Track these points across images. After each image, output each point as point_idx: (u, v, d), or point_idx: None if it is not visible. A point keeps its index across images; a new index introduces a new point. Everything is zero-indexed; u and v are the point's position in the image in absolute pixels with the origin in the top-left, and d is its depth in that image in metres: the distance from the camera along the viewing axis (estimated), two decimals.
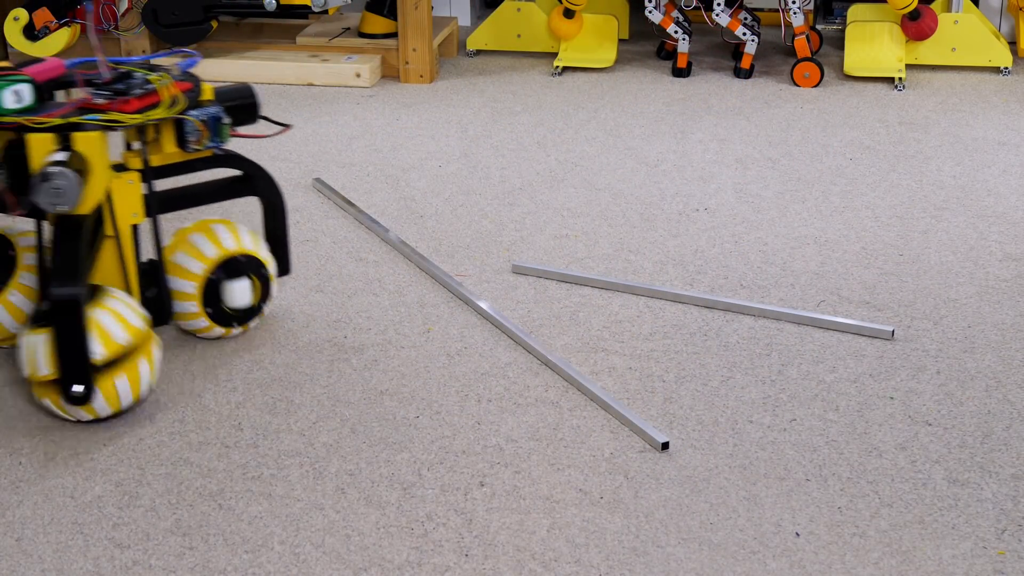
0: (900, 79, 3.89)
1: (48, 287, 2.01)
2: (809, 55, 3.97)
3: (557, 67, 4.11)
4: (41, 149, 2.05)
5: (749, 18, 4.13)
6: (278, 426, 2.11)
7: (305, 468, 2.00)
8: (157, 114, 2.12)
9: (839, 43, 4.33)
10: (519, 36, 4.29)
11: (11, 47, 4.14)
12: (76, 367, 2.02)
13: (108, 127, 2.08)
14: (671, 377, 2.25)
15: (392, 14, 4.11)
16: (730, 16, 4.01)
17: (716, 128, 3.57)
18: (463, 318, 2.47)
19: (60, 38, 3.98)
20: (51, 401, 2.08)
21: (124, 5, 4.14)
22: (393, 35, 4.12)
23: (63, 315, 1.99)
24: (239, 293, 2.33)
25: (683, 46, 4.06)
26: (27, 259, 2.29)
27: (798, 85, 3.96)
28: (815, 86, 3.94)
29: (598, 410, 2.14)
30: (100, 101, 2.10)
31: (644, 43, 4.46)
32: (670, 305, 2.51)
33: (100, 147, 2.08)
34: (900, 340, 2.36)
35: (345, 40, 4.18)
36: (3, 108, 2.05)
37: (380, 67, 4.08)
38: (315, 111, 3.76)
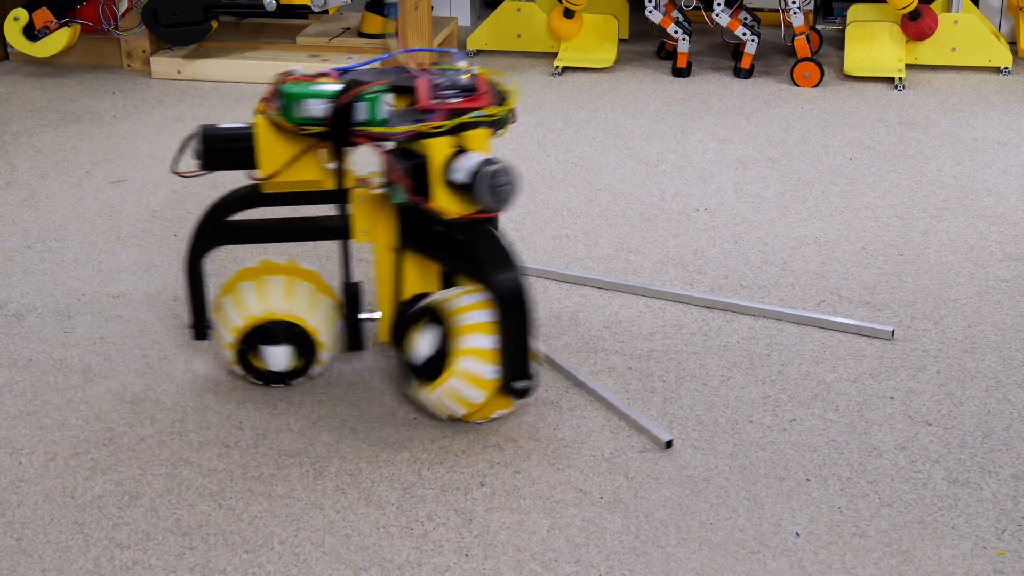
0: (900, 79, 3.89)
1: (491, 278, 1.98)
2: (809, 55, 3.97)
3: (557, 67, 4.11)
4: (441, 152, 2.01)
5: (749, 18, 4.13)
6: (278, 426, 2.11)
7: (305, 468, 2.00)
8: (503, 110, 2.06)
9: (839, 43, 4.33)
10: (519, 36, 4.29)
11: (11, 47, 4.14)
12: (522, 361, 2.00)
13: (490, 123, 2.04)
14: (671, 377, 2.25)
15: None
16: (730, 16, 4.01)
17: (716, 128, 3.57)
18: None
19: (60, 38, 3.98)
20: (453, 399, 2.03)
21: (124, 5, 4.14)
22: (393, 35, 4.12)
23: (511, 306, 1.98)
24: (276, 358, 2.18)
25: (683, 46, 4.06)
26: (323, 338, 2.19)
27: (798, 85, 3.96)
28: (815, 86, 3.94)
29: (598, 410, 2.14)
30: (454, 100, 2.05)
31: (644, 43, 4.46)
32: (670, 305, 2.51)
33: (486, 144, 2.04)
34: (900, 340, 2.36)
35: (345, 40, 4.18)
36: (377, 119, 2.02)
37: None
38: None
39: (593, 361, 2.29)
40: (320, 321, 2.18)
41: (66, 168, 3.31)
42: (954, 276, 2.62)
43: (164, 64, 4.07)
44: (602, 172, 3.24)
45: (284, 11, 3.99)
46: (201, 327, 2.22)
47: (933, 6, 4.06)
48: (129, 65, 4.18)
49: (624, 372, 2.26)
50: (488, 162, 1.96)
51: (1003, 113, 3.65)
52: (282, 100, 2.04)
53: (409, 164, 2.02)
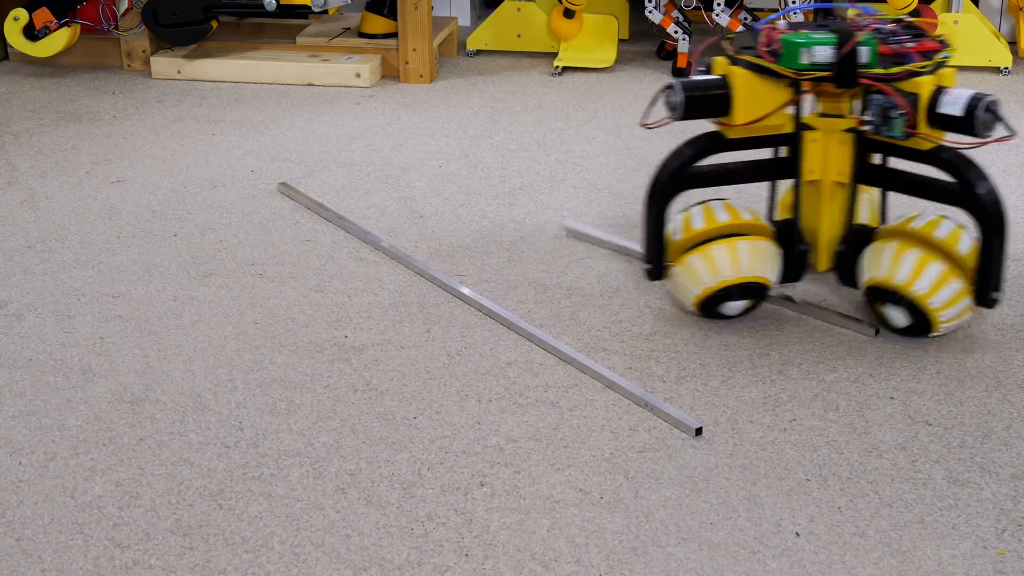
0: None
1: (979, 195, 2.22)
2: None
3: (557, 67, 4.11)
4: (928, 89, 2.22)
5: (749, 18, 4.13)
6: (278, 426, 2.11)
7: (305, 468, 2.00)
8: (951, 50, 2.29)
9: None
10: (519, 36, 4.29)
11: (11, 47, 4.15)
12: (999, 272, 2.25)
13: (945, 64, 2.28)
14: (671, 377, 2.25)
15: (392, 14, 4.11)
16: (730, 16, 4.00)
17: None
18: (463, 318, 2.47)
19: (60, 38, 3.98)
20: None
21: (124, 5, 4.14)
22: (393, 35, 4.12)
23: (997, 220, 2.22)
24: (734, 309, 2.42)
25: (683, 46, 4.06)
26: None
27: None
28: None
29: (598, 410, 2.14)
30: (911, 44, 2.28)
31: (644, 43, 4.47)
32: (670, 305, 2.51)
33: (954, 80, 2.28)
34: (900, 340, 2.36)
35: (345, 40, 4.18)
36: (873, 62, 2.25)
37: (380, 67, 4.08)
38: (315, 111, 3.76)
39: (593, 361, 2.29)
40: (774, 273, 2.41)
41: (66, 168, 3.31)
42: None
43: (164, 64, 4.07)
44: (602, 172, 3.24)
45: (284, 11, 3.99)
46: (658, 269, 2.43)
47: (933, 6, 4.06)
48: (129, 65, 4.18)
49: (624, 372, 2.26)
50: (979, 95, 2.19)
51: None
52: (782, 48, 2.24)
53: (911, 100, 2.23)
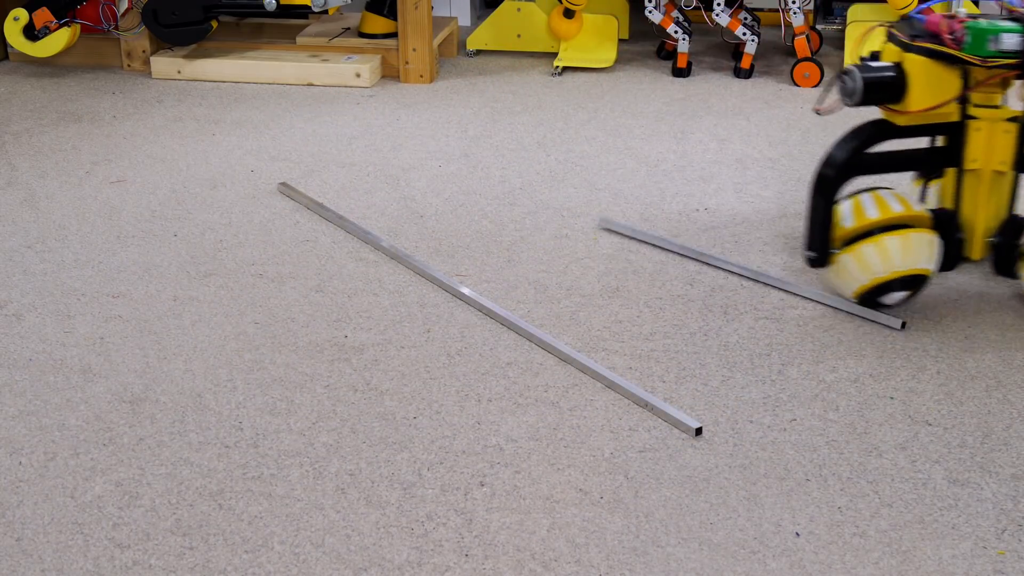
0: None
1: None
2: (809, 55, 3.97)
3: (557, 67, 4.11)
4: None
5: (749, 18, 4.13)
6: (278, 426, 2.11)
7: (305, 468, 2.00)
8: None
9: (839, 43, 4.33)
10: (519, 36, 4.29)
11: (11, 47, 4.14)
12: None
13: None
14: (671, 377, 2.25)
15: (392, 14, 4.11)
16: (730, 16, 4.01)
17: (716, 128, 3.57)
18: (463, 318, 2.47)
19: (60, 38, 3.98)
20: None
21: (124, 5, 4.14)
22: (393, 35, 4.12)
23: None
24: (895, 299, 2.46)
25: (683, 46, 4.06)
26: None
27: (798, 85, 3.96)
28: (815, 86, 3.94)
29: (598, 410, 2.14)
30: None
31: (644, 43, 4.46)
32: (670, 305, 2.51)
33: None
34: (900, 340, 2.36)
35: (345, 40, 4.18)
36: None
37: (380, 67, 4.08)
38: (315, 111, 3.76)
39: (593, 361, 2.29)
40: (934, 265, 2.46)
41: (66, 168, 3.31)
42: (954, 276, 2.62)
43: (164, 64, 4.08)
44: (602, 172, 3.24)
45: (284, 11, 3.99)
46: (823, 257, 2.47)
47: (933, 6, 4.05)
48: (129, 65, 4.18)
49: (624, 372, 2.26)
50: None
51: None
52: (968, 36, 2.31)
53: None
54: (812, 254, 2.47)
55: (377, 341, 2.38)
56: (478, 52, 4.37)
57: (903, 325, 2.39)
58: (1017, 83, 2.43)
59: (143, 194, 3.12)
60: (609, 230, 2.87)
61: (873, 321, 2.43)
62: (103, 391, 2.22)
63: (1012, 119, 2.40)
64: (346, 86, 4.00)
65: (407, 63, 4.04)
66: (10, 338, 2.41)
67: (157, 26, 4.00)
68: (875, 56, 2.44)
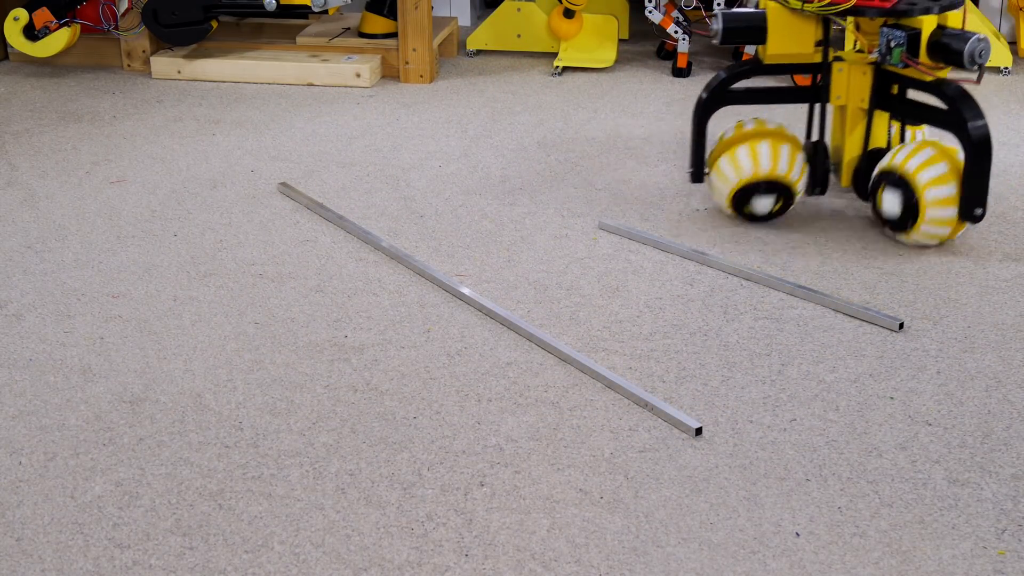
0: None
1: (968, 125, 2.58)
2: None
3: (557, 67, 4.11)
4: (930, 27, 2.64)
5: None
6: (278, 426, 2.11)
7: (305, 468, 2.00)
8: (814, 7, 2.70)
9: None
10: (519, 36, 4.29)
11: (11, 47, 4.15)
12: (983, 191, 2.60)
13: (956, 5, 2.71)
14: (671, 377, 2.25)
15: (392, 14, 4.11)
16: None
17: (716, 128, 3.57)
18: (463, 318, 2.47)
19: (60, 38, 3.98)
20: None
21: (124, 5, 4.14)
22: (393, 35, 4.12)
23: (983, 147, 2.57)
24: (763, 205, 2.82)
25: (683, 46, 4.06)
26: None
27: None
28: None
29: (598, 410, 2.14)
30: None
31: (644, 43, 4.46)
32: (670, 305, 2.51)
33: (960, 21, 2.70)
34: (900, 340, 2.36)
35: (345, 40, 4.18)
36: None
37: (380, 67, 4.08)
38: (315, 111, 3.76)
39: (593, 361, 2.29)
40: (796, 174, 2.80)
41: (66, 168, 3.31)
42: (954, 276, 2.62)
43: (164, 64, 4.08)
44: (602, 172, 3.24)
45: (284, 11, 3.99)
46: (699, 173, 2.88)
47: None
48: (129, 65, 4.18)
49: (624, 372, 2.26)
50: (969, 34, 2.56)
51: (1003, 113, 3.65)
52: None
53: (907, 34, 2.62)
54: (690, 169, 2.87)
55: (377, 341, 2.38)
56: (478, 52, 4.37)
57: (901, 326, 2.39)
58: (848, 26, 2.76)
59: (143, 194, 3.12)
60: (609, 230, 2.87)
61: (872, 323, 2.43)
62: (103, 391, 2.22)
63: (872, 63, 2.74)
64: (346, 86, 4.00)
65: (407, 63, 4.04)
66: (10, 338, 2.41)
67: (157, 26, 4.00)
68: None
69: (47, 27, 3.95)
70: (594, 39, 4.16)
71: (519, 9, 4.27)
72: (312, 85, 4.02)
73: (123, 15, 4.13)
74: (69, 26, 3.99)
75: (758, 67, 2.83)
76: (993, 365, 2.28)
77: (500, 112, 3.74)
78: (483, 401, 2.18)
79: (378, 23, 4.15)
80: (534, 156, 3.36)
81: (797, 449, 2.03)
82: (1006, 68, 4.01)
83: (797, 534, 1.83)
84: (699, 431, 2.07)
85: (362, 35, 4.18)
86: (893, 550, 1.79)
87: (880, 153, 2.81)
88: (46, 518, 1.88)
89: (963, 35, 2.58)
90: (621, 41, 4.41)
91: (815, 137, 2.87)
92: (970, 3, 4.23)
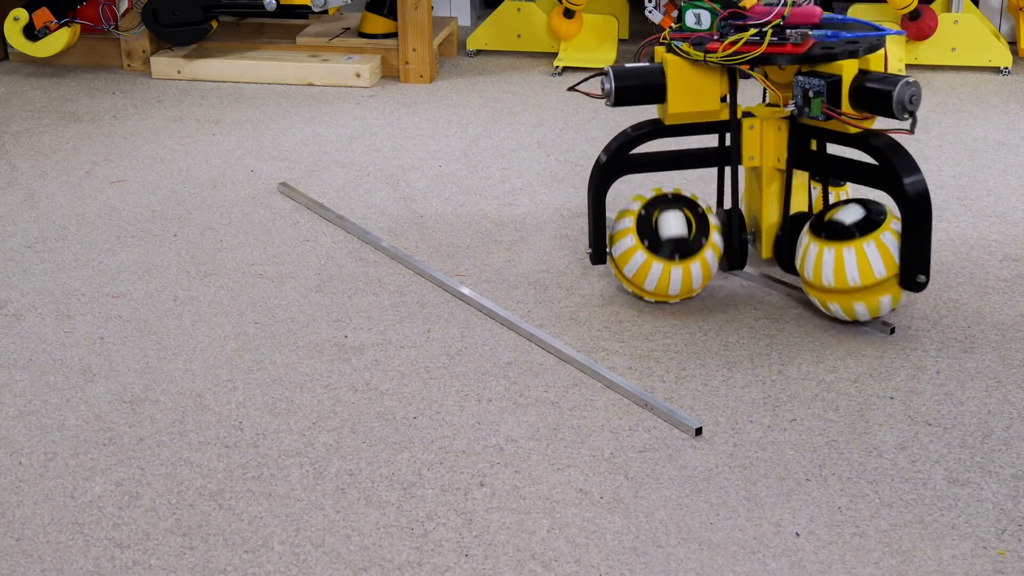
0: None
1: (903, 182, 2.25)
2: None
3: (557, 67, 4.11)
4: (851, 72, 2.30)
5: None
6: (278, 426, 2.11)
7: (305, 468, 2.00)
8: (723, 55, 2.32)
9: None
10: (519, 36, 4.29)
11: (11, 47, 4.14)
12: (925, 257, 2.27)
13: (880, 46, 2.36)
14: (671, 377, 2.25)
15: (392, 14, 4.11)
16: None
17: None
18: (463, 318, 2.47)
19: (60, 38, 3.98)
20: (867, 306, 2.32)
21: (124, 5, 4.14)
22: (393, 35, 4.12)
23: (921, 206, 2.25)
24: (669, 222, 2.41)
25: None
26: (713, 219, 2.45)
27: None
28: None
29: (598, 410, 2.14)
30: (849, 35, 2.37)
31: None
32: (670, 305, 2.51)
33: (883, 64, 2.37)
34: (900, 340, 2.36)
35: (345, 40, 4.18)
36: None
37: (380, 67, 4.08)
38: (315, 111, 3.76)
39: (593, 361, 2.29)
40: (705, 206, 2.44)
41: (66, 168, 3.31)
42: (954, 276, 2.62)
43: (164, 64, 4.07)
44: None
45: (284, 11, 3.99)
46: (600, 252, 2.50)
47: (933, 6, 4.06)
48: (129, 65, 4.18)
49: (624, 372, 2.26)
50: (897, 78, 2.23)
51: (1003, 113, 3.65)
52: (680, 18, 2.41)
53: (825, 82, 2.28)
54: (588, 250, 2.51)
55: (377, 341, 2.38)
56: (478, 52, 4.37)
57: (892, 331, 2.38)
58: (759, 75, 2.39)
59: (143, 194, 3.12)
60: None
61: (867, 325, 2.43)
62: (103, 391, 2.22)
63: (787, 117, 2.41)
64: (346, 86, 4.00)
65: (407, 63, 4.04)
66: (10, 338, 2.41)
67: (157, 26, 3.99)
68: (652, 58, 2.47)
69: (47, 27, 3.95)
70: (594, 39, 4.16)
71: (519, 9, 4.27)
72: (312, 85, 4.02)
73: (123, 15, 4.13)
74: (69, 26, 3.99)
75: (660, 129, 2.45)
76: (993, 365, 2.28)
77: (500, 112, 3.74)
78: (483, 401, 2.18)
79: (378, 23, 4.15)
80: (534, 156, 3.36)
81: (797, 449, 2.03)
82: (1006, 68, 4.01)
83: (797, 534, 1.83)
84: (699, 431, 2.07)
85: (362, 35, 4.18)
86: (893, 550, 1.79)
87: (803, 218, 2.44)
88: (46, 518, 1.88)
89: (889, 79, 2.25)
90: (621, 41, 4.40)
91: (728, 204, 2.52)
92: (970, 3, 4.24)
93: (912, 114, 2.23)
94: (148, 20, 4.00)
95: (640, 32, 4.50)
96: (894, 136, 2.30)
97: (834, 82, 2.28)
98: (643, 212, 2.43)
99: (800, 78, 2.31)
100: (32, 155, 3.41)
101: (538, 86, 3.98)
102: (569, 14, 4.09)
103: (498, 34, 4.31)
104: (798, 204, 2.49)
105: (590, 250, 2.51)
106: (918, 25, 3.94)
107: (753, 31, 2.28)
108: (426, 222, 2.94)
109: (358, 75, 4.00)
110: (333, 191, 3.12)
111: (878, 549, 1.80)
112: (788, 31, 2.30)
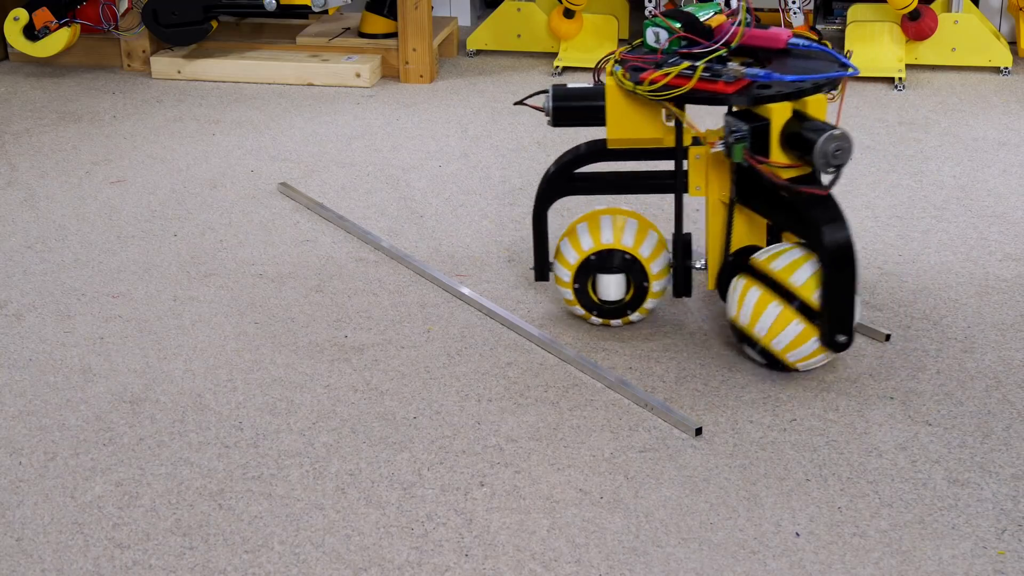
0: (900, 79, 3.89)
1: (821, 233, 2.07)
2: None
3: (557, 67, 4.11)
4: (782, 116, 2.11)
5: (749, 18, 4.13)
6: (278, 426, 2.11)
7: (305, 468, 2.00)
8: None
9: (839, 43, 4.33)
10: (519, 36, 4.29)
11: (11, 47, 4.15)
12: (845, 315, 2.09)
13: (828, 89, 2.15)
14: (671, 377, 2.25)
15: (392, 14, 4.11)
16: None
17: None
18: (463, 318, 2.47)
19: (60, 38, 3.98)
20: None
21: (124, 5, 4.14)
22: (393, 35, 4.12)
23: (839, 261, 2.07)
24: (608, 286, 2.34)
25: None
26: (654, 268, 2.34)
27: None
28: None
29: (598, 410, 2.14)
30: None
31: None
32: (669, 305, 2.51)
33: (823, 110, 2.16)
34: (900, 340, 2.36)
35: (345, 40, 4.18)
36: None
37: (380, 67, 4.08)
38: (315, 111, 3.76)
39: (593, 361, 2.29)
40: (649, 252, 2.33)
41: (66, 168, 3.31)
42: (954, 276, 2.62)
43: (164, 64, 4.08)
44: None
45: (284, 11, 3.99)
46: (542, 269, 2.42)
47: (933, 6, 4.06)
48: (129, 65, 4.18)
49: (624, 372, 2.26)
50: (825, 128, 2.04)
51: (1003, 113, 3.65)
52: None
53: (750, 127, 2.11)
54: (531, 267, 2.44)
55: (377, 341, 2.38)
56: (478, 52, 4.37)
57: (887, 337, 2.37)
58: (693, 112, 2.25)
59: (143, 194, 3.12)
60: None
61: (866, 325, 2.43)
62: (103, 391, 2.22)
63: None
64: (346, 86, 4.00)
65: (407, 63, 4.04)
66: (10, 338, 2.41)
67: (157, 26, 4.00)
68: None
69: (47, 27, 3.95)
70: (594, 39, 4.16)
71: (519, 9, 4.27)
72: (312, 85, 4.02)
73: (123, 15, 4.13)
74: (69, 26, 3.99)
75: (605, 152, 2.34)
76: (993, 365, 2.28)
77: (500, 112, 3.74)
78: (483, 401, 2.18)
79: (378, 23, 4.15)
80: (534, 156, 3.36)
81: (797, 449, 2.03)
82: (1006, 68, 4.01)
83: (797, 534, 1.83)
84: (699, 431, 2.07)
85: (362, 35, 4.18)
86: (893, 550, 1.79)
87: (750, 251, 2.28)
88: (46, 518, 1.88)
89: (818, 128, 2.05)
90: (621, 41, 4.40)
91: (691, 231, 2.44)
92: (970, 3, 4.24)
93: (838, 168, 2.04)
94: (148, 20, 4.00)
95: (640, 32, 4.50)
96: (815, 189, 2.11)
97: (762, 127, 2.10)
98: (577, 274, 2.34)
99: (728, 119, 2.14)
100: (32, 155, 3.41)
101: (538, 86, 3.98)
102: (569, 14, 4.09)
103: (498, 34, 4.31)
104: (746, 238, 2.31)
105: (532, 266, 2.43)
106: (918, 25, 3.94)
107: (686, 65, 2.12)
108: (426, 222, 2.94)
109: (358, 75, 4.00)
110: (333, 191, 3.12)
111: (878, 549, 1.80)
112: (723, 67, 2.12)
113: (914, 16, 3.93)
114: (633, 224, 2.35)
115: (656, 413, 2.12)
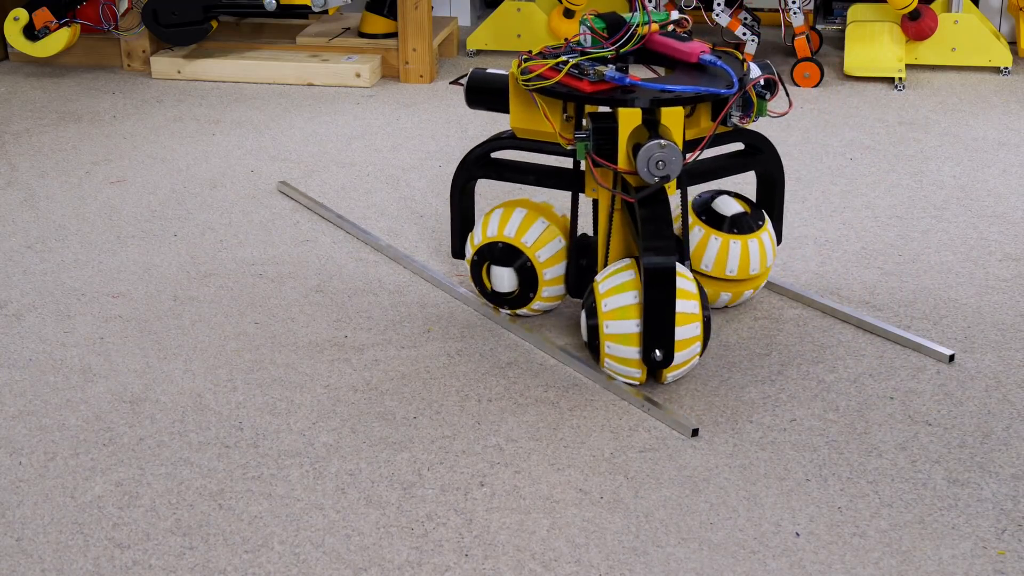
0: (900, 79, 3.90)
1: (644, 249, 2.07)
2: (809, 55, 3.97)
3: None
4: (629, 124, 2.10)
5: (749, 18, 4.13)
6: (278, 426, 2.11)
7: (305, 468, 2.00)
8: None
9: (839, 43, 4.33)
10: (519, 36, 4.29)
11: (11, 47, 4.15)
12: (661, 332, 2.09)
13: (685, 102, 2.14)
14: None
15: (392, 14, 4.11)
16: (730, 16, 4.00)
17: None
18: (463, 318, 2.47)
19: (60, 38, 3.98)
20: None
21: (124, 5, 4.14)
22: (393, 35, 4.12)
23: (657, 284, 2.06)
24: (500, 279, 2.38)
25: None
26: (548, 274, 2.37)
27: (798, 85, 3.96)
28: (815, 86, 3.94)
29: (598, 410, 2.14)
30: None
31: None
32: None
33: (680, 122, 2.12)
34: (900, 341, 2.36)
35: (345, 40, 4.18)
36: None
37: (380, 67, 4.08)
38: (315, 111, 3.76)
39: (593, 361, 2.29)
40: (545, 255, 2.35)
41: (66, 168, 3.31)
42: (954, 276, 2.62)
43: (164, 64, 4.08)
44: None
45: (284, 11, 3.99)
46: (459, 247, 2.50)
47: (933, 6, 4.06)
48: (129, 65, 4.18)
49: None
50: (654, 140, 2.04)
51: (1003, 113, 3.65)
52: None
53: (593, 127, 2.13)
54: (451, 247, 2.52)
55: (377, 341, 2.38)
56: (478, 52, 4.37)
57: (951, 358, 2.30)
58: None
59: (143, 194, 3.12)
60: None
61: (927, 346, 2.43)
62: (103, 391, 2.22)
63: None
64: (346, 86, 4.00)
65: (407, 63, 4.04)
66: (10, 338, 2.41)
67: (157, 26, 4.00)
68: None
69: (47, 27, 3.95)
70: None
71: (519, 9, 4.27)
72: (312, 85, 4.02)
73: (123, 15, 4.13)
74: (69, 26, 3.99)
75: (516, 140, 2.34)
76: (993, 365, 2.28)
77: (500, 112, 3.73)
78: (483, 401, 2.18)
79: (378, 23, 4.15)
80: (534, 156, 3.36)
81: (797, 449, 2.03)
82: (1006, 68, 4.01)
83: (797, 534, 1.83)
84: (697, 431, 2.07)
85: (362, 35, 4.18)
86: (893, 550, 1.79)
87: (586, 241, 2.36)
88: (46, 518, 1.88)
89: (650, 139, 2.06)
90: None
91: (591, 231, 2.44)
92: (970, 3, 4.24)
93: (663, 179, 2.04)
94: (148, 20, 4.00)
95: None
96: (626, 196, 2.13)
97: (606, 129, 2.11)
98: (476, 258, 2.40)
99: (585, 120, 2.15)
100: (32, 155, 3.41)
101: None
102: (569, 14, 4.09)
103: (498, 34, 4.31)
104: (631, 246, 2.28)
105: (452, 246, 2.51)
106: (918, 25, 3.95)
107: (562, 59, 2.14)
108: (426, 222, 2.94)
109: (358, 75, 4.00)
110: (333, 191, 3.12)
111: (878, 549, 1.80)
112: (594, 68, 2.11)
113: (914, 16, 3.93)
114: (541, 225, 2.36)
115: (656, 413, 2.12)
